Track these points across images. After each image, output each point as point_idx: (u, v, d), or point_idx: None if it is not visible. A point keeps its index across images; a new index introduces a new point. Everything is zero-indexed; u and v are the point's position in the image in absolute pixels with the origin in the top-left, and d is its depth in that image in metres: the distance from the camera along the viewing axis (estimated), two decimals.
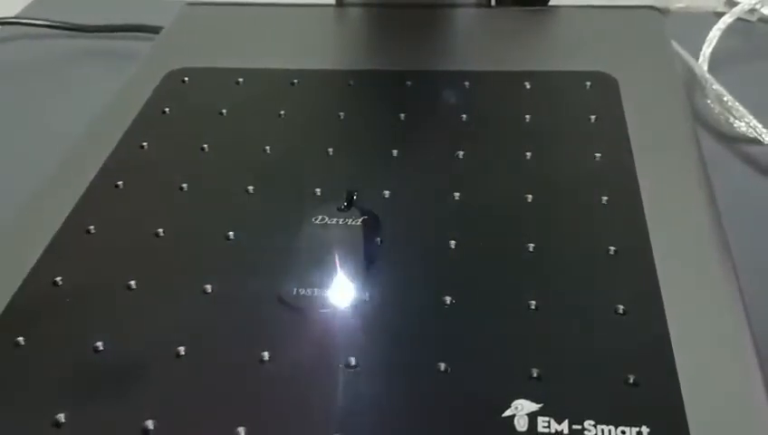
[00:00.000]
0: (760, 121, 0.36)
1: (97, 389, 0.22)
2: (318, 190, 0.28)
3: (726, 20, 0.42)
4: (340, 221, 0.26)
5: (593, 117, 0.30)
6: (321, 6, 0.40)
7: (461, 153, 0.29)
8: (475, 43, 0.37)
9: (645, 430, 0.19)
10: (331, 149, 0.30)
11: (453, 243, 0.25)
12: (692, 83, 0.40)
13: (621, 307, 0.22)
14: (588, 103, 0.31)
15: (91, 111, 0.34)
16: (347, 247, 0.25)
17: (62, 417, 0.21)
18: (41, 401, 0.21)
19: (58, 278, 0.25)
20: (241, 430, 0.20)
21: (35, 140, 0.41)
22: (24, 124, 0.43)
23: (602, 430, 0.19)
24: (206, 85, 0.34)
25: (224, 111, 0.32)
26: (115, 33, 0.50)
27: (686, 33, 0.41)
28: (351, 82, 0.34)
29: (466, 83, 0.33)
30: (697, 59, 0.40)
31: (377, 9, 0.40)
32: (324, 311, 0.23)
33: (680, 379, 0.20)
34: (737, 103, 0.37)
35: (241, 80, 0.34)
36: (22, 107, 0.45)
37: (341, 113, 0.32)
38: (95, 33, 0.51)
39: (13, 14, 0.54)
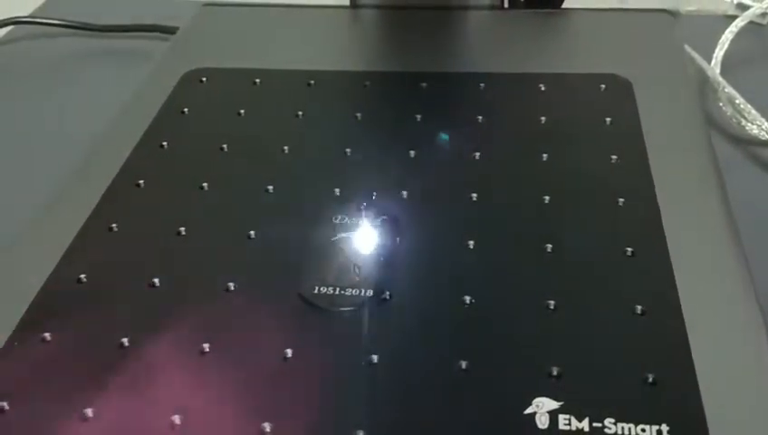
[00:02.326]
0: None
1: (123, 384, 0.22)
2: (337, 190, 0.28)
3: (738, 23, 0.42)
4: (359, 221, 0.27)
5: (608, 119, 0.30)
6: (336, 8, 0.40)
7: (477, 154, 0.29)
8: (490, 45, 0.38)
9: (664, 428, 0.19)
10: (348, 150, 0.30)
11: (471, 243, 0.25)
12: (704, 86, 0.40)
13: (639, 307, 0.23)
14: (603, 106, 0.31)
15: (106, 111, 0.34)
16: (366, 247, 0.26)
17: (89, 411, 0.21)
18: (68, 396, 0.22)
19: (82, 276, 0.25)
20: (266, 425, 0.20)
21: (50, 139, 0.42)
22: (39, 123, 0.44)
23: (622, 428, 0.20)
24: (224, 86, 0.35)
25: (242, 111, 0.33)
26: (129, 33, 0.51)
27: (698, 37, 0.41)
28: (367, 84, 0.34)
29: (482, 85, 0.33)
30: (709, 62, 0.41)
31: (391, 11, 0.40)
32: (344, 309, 0.24)
33: (698, 378, 0.21)
34: (749, 106, 0.37)
35: (258, 80, 0.34)
36: (36, 106, 0.45)
37: (358, 114, 0.32)
38: (109, 33, 0.51)
39: (27, 14, 0.54)
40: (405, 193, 0.28)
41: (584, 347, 0.22)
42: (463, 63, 0.36)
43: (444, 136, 0.30)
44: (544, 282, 0.24)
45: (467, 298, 0.23)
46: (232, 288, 0.24)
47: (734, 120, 0.38)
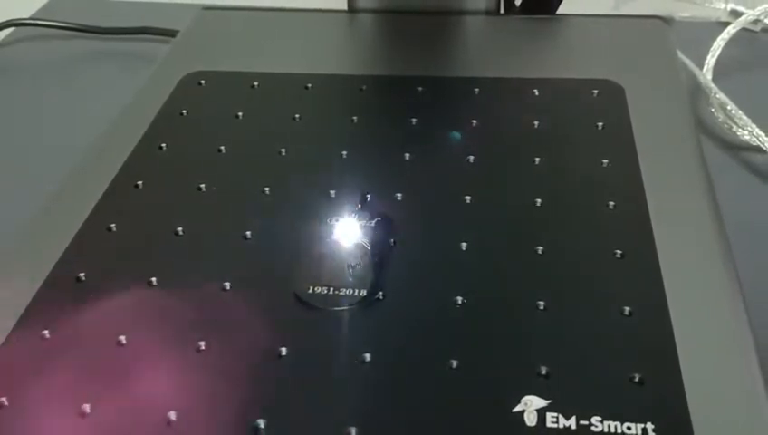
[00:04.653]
0: (763, 130, 0.37)
1: (121, 381, 0.22)
2: (332, 192, 0.28)
3: (731, 30, 0.43)
4: (354, 222, 0.27)
5: (600, 124, 0.31)
6: (334, 12, 0.41)
7: (472, 157, 0.30)
8: (485, 50, 0.38)
9: (650, 426, 0.20)
10: (344, 152, 0.30)
11: (464, 245, 0.26)
12: (696, 92, 0.41)
13: (627, 308, 0.23)
14: (595, 111, 0.32)
15: (105, 112, 0.34)
16: (360, 248, 0.26)
17: (87, 407, 0.21)
18: (67, 392, 0.22)
19: (81, 275, 0.26)
20: (260, 421, 0.21)
21: (50, 140, 0.42)
22: (39, 125, 0.44)
23: (608, 426, 0.20)
24: (223, 88, 0.35)
25: (240, 113, 0.33)
26: (129, 36, 0.51)
27: (691, 43, 0.42)
28: (364, 87, 0.35)
29: (477, 89, 0.34)
30: (702, 68, 0.41)
31: (388, 15, 0.40)
32: (338, 308, 0.24)
33: (684, 378, 0.21)
34: (741, 112, 0.38)
35: (256, 83, 0.35)
36: (36, 108, 0.46)
37: (354, 117, 0.32)
38: (109, 36, 0.52)
39: (27, 16, 0.55)
40: (399, 195, 0.28)
41: (573, 347, 0.22)
42: (459, 68, 0.36)
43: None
44: (535, 283, 0.24)
45: (459, 298, 0.24)
46: (228, 287, 0.25)
47: (726, 125, 0.39)
